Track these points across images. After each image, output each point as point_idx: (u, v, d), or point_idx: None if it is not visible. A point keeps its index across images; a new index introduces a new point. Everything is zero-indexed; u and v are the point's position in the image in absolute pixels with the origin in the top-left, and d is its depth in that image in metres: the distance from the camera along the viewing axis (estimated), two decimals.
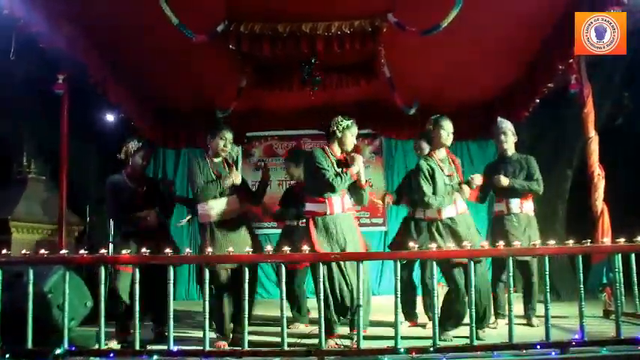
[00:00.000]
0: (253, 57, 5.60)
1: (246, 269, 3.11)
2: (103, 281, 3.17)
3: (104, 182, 4.41)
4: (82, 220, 6.47)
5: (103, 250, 3.29)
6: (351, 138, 4.02)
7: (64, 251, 3.43)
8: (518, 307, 4.07)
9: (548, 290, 3.27)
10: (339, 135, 4.00)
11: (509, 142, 4.76)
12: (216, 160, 4.17)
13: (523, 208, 4.63)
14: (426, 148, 4.82)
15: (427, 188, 3.95)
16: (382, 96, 6.63)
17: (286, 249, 3.16)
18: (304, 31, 4.94)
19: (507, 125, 4.79)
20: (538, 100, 6.03)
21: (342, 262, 3.67)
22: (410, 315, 4.81)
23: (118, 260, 3.54)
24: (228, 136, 4.14)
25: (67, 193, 5.03)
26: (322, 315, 3.09)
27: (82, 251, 3.25)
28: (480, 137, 7.45)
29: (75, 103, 5.17)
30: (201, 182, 3.98)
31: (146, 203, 4.34)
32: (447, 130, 4.05)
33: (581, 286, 3.25)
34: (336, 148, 4.05)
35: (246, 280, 3.06)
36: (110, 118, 6.82)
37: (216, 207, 3.99)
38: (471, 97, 6.82)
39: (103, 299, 3.16)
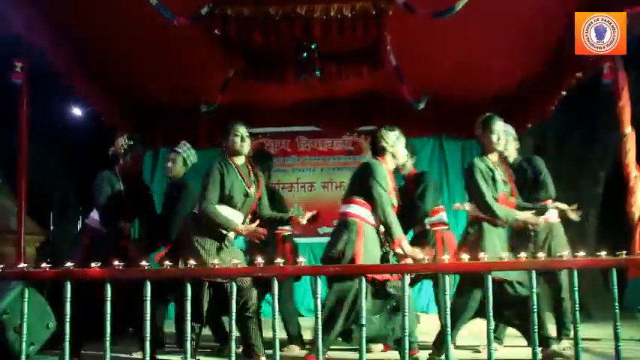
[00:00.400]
0: (242, 44, 5.60)
1: (234, 285, 3.09)
2: (68, 299, 3.14)
3: (70, 187, 4.43)
4: (44, 230, 6.44)
5: (68, 264, 3.26)
6: (402, 149, 4.29)
7: (22, 265, 3.39)
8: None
9: (578, 309, 3.26)
10: (391, 150, 4.23)
11: (510, 148, 4.90)
12: (238, 162, 4.19)
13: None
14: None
15: (486, 189, 4.07)
16: (387, 89, 6.64)
17: (279, 261, 3.14)
18: (299, 14, 4.95)
19: (508, 129, 4.89)
20: (565, 93, 6.03)
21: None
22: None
23: (86, 274, 3.51)
24: (242, 130, 4.20)
25: (27, 199, 5.00)
26: (320, 335, 3.07)
27: (44, 265, 3.21)
28: None
29: (36, 96, 5.15)
30: (211, 203, 3.92)
31: (133, 213, 4.43)
32: (497, 132, 4.18)
33: (616, 304, 3.24)
34: (389, 162, 4.25)
35: (234, 297, 3.05)
36: (77, 113, 6.80)
37: (235, 219, 3.99)
38: (487, 90, 6.83)
39: (68, 320, 3.13)
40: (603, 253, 3.28)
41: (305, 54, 5.66)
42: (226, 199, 3.99)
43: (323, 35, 5.10)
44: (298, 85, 6.17)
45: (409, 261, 3.89)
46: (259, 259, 3.13)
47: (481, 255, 3.22)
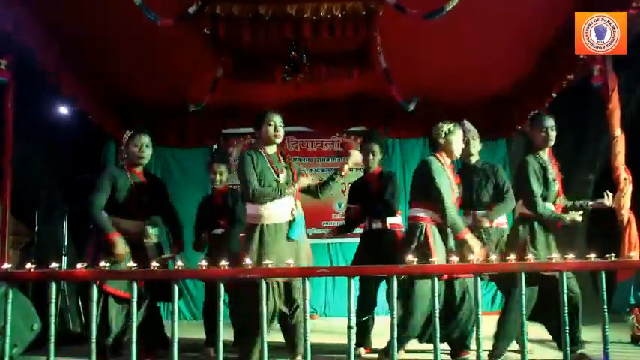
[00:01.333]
0: (231, 43, 5.59)
1: (222, 286, 3.07)
2: (53, 300, 3.11)
3: (56, 186, 4.39)
4: (29, 230, 6.39)
5: (54, 264, 3.24)
6: (458, 142, 4.26)
7: (7, 265, 3.36)
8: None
9: (567, 311, 3.27)
10: (443, 142, 4.22)
11: (477, 148, 4.90)
12: (270, 151, 4.18)
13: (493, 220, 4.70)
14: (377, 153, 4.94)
15: (537, 187, 4.19)
16: (377, 90, 6.64)
17: (267, 262, 3.13)
18: (289, 14, 4.94)
19: (475, 130, 4.94)
20: (555, 95, 6.07)
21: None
22: (365, 341, 4.84)
23: (72, 275, 3.49)
24: (277, 119, 4.14)
25: (12, 199, 4.96)
26: (308, 337, 3.05)
27: (28, 265, 3.18)
28: (488, 137, 7.47)
29: (22, 94, 5.11)
30: (256, 183, 3.98)
31: (141, 210, 4.36)
32: (547, 128, 4.29)
33: (605, 306, 3.25)
34: (445, 156, 4.25)
35: (221, 298, 3.03)
36: (64, 112, 6.75)
37: (272, 209, 3.99)
38: (477, 91, 6.87)
39: (53, 321, 3.10)
40: (592, 256, 3.30)
41: (293, 54, 5.65)
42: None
43: (313, 35, 5.09)
44: (288, 86, 6.17)
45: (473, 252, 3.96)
46: (247, 260, 3.11)
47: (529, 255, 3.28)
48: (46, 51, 5.20)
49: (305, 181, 4.17)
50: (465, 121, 4.94)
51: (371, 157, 4.96)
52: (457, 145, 4.28)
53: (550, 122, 4.32)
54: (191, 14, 4.83)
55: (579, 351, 4.11)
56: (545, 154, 4.36)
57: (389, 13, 4.85)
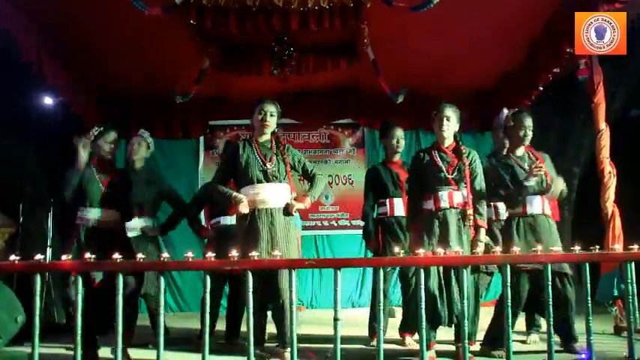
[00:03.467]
0: (218, 35, 5.56)
1: (208, 278, 3.06)
2: (37, 292, 3.09)
3: (42, 179, 4.33)
4: (14, 222, 6.34)
5: (38, 256, 3.21)
6: (439, 121, 4.17)
7: None
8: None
9: (551, 303, 3.30)
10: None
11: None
12: (261, 139, 4.20)
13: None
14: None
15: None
16: (365, 82, 6.65)
17: (254, 254, 3.12)
18: (277, 5, 4.93)
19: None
20: (541, 88, 6.10)
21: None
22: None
23: (56, 267, 3.47)
24: (268, 108, 4.18)
25: None
26: (294, 328, 3.06)
27: (13, 257, 3.15)
28: (476, 129, 7.53)
29: (5, 86, 5.06)
30: (218, 177, 4.13)
31: (110, 201, 4.26)
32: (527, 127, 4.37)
33: (589, 298, 3.28)
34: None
35: (207, 291, 3.02)
36: (49, 103, 6.69)
37: (262, 194, 4.01)
38: (465, 84, 6.88)
39: (37, 313, 3.08)
40: (577, 248, 3.32)
41: (280, 47, 5.64)
42: (242, 176, 4.07)
43: (300, 27, 5.09)
44: (275, 77, 6.15)
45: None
46: (234, 252, 3.10)
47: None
48: (30, 41, 5.14)
49: (301, 205, 4.11)
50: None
51: (396, 142, 4.86)
52: (438, 125, 4.18)
53: (529, 121, 4.31)
54: (178, 5, 4.80)
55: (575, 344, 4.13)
56: (520, 151, 4.38)
57: (376, 5, 4.85)
